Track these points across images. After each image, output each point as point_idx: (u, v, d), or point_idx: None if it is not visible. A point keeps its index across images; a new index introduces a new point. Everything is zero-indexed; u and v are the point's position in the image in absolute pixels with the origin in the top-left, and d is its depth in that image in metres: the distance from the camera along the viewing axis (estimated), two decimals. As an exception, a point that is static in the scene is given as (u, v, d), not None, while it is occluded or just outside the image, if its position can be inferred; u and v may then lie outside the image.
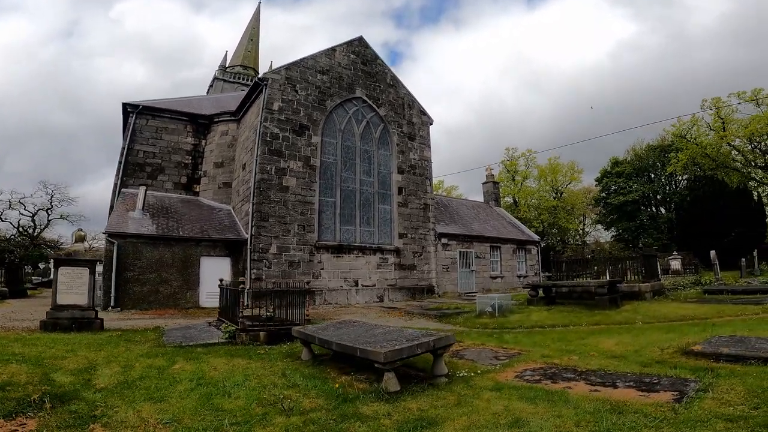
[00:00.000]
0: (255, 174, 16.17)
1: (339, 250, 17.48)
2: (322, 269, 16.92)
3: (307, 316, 8.83)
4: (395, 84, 20.91)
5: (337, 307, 16.14)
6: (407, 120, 20.97)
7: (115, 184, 18.48)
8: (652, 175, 47.44)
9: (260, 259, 15.67)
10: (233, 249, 16.27)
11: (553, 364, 5.58)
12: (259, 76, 17.30)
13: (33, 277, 39.40)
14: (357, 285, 17.75)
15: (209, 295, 15.69)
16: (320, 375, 5.50)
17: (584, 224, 61.77)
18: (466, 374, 5.34)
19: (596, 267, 16.17)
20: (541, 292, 13.73)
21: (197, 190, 19.86)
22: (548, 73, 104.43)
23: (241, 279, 10.01)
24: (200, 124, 20.44)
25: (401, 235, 19.50)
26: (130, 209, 16.74)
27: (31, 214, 38.70)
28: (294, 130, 17.20)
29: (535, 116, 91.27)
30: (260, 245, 15.75)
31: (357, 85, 19.41)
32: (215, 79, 53.79)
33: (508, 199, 46.86)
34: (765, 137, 34.66)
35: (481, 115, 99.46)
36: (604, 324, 9.27)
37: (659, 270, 26.88)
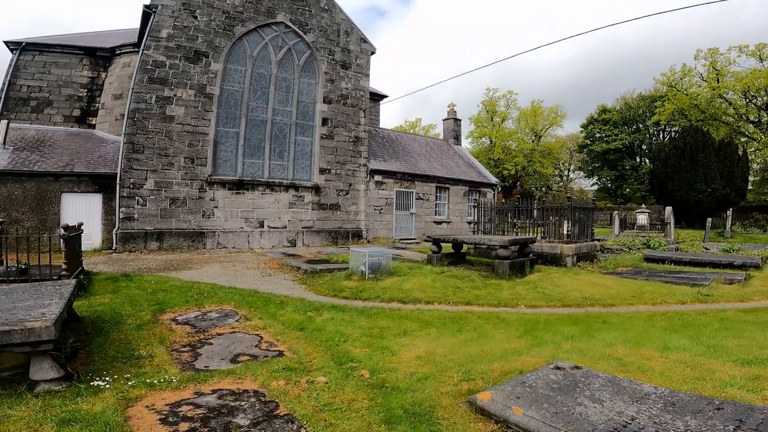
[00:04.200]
0: (129, 104, 13.31)
1: (239, 186, 14.96)
2: (216, 207, 14.52)
3: (64, 269, 6.58)
4: (330, 8, 17.25)
5: (232, 252, 14.01)
6: (342, 47, 17.56)
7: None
8: (641, 125, 44.31)
9: (132, 195, 13.16)
10: (105, 185, 13.68)
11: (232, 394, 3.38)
12: (146, 2, 13.66)
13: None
14: (263, 227, 15.48)
15: (75, 234, 13.39)
16: None
17: (569, 171, 59.46)
18: (103, 383, 3.46)
19: (551, 217, 13.77)
20: (449, 247, 11.56)
21: (93, 122, 17.32)
22: (571, 15, 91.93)
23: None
24: (100, 57, 17.57)
25: (323, 171, 16.92)
26: (-9, 143, 13.96)
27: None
28: (187, 57, 14.12)
29: (547, 59, 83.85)
30: (132, 180, 13.16)
31: (280, 9, 15.87)
32: None
33: (485, 140, 43.74)
34: (762, 92, 31.74)
35: (493, 56, 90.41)
36: (477, 304, 7.15)
37: (621, 225, 25.01)
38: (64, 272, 6.61)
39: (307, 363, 4.20)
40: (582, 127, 48.64)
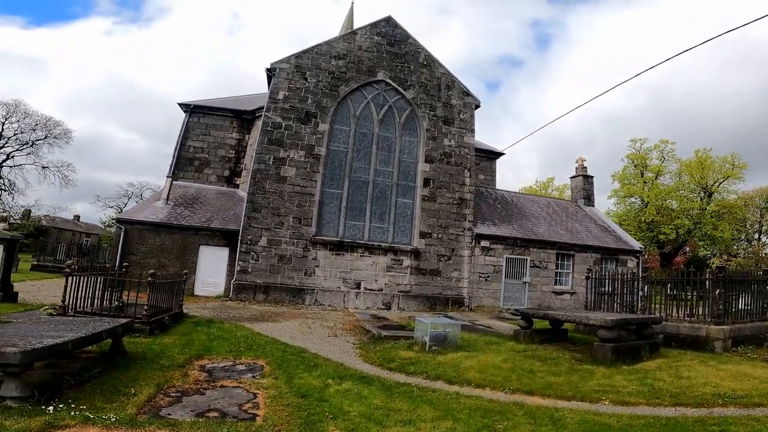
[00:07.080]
0: (252, 164, 15.50)
1: (340, 247, 15.58)
2: (317, 267, 15.28)
3: (146, 310, 7.39)
4: (430, 64, 17.92)
5: (326, 310, 14.35)
6: (443, 102, 17.77)
7: (167, 177, 19.98)
8: None
9: (248, 251, 14.83)
10: (231, 239, 15.79)
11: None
12: (267, 66, 16.44)
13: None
14: (359, 288, 15.59)
15: (204, 283, 15.57)
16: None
17: (759, 233, 47.03)
18: (51, 409, 3.78)
19: (718, 290, 10.71)
20: (545, 323, 9.65)
21: (237, 182, 20.31)
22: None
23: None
24: (245, 119, 20.89)
25: (424, 235, 16.55)
26: (157, 199, 17.78)
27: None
28: (299, 118, 15.99)
29: (735, 98, 71.85)
30: (249, 237, 14.92)
31: (380, 68, 17.16)
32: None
33: (635, 201, 37.81)
34: None
35: (657, 100, 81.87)
36: (541, 395, 5.54)
37: None
38: (145, 312, 7.47)
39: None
40: (776, 180, 38.48)
